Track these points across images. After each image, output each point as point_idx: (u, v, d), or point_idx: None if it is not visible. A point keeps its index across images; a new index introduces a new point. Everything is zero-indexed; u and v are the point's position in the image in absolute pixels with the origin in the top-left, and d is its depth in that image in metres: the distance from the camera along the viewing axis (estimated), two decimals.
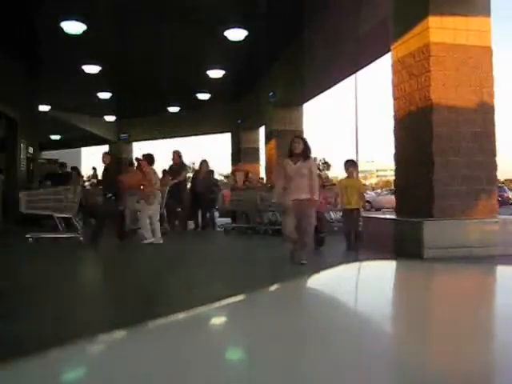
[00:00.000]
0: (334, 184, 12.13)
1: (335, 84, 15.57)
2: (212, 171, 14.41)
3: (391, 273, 1.28)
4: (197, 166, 17.04)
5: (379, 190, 42.01)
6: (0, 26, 11.85)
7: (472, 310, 0.86)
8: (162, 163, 14.20)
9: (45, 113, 19.14)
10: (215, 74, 16.49)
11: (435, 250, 6.35)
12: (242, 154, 22.11)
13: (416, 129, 7.50)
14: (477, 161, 7.22)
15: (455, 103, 7.19)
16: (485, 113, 7.31)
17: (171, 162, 13.08)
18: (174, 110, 22.52)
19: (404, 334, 0.71)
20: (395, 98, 8.05)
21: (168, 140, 28.47)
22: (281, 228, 7.92)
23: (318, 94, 16.78)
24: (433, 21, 7.18)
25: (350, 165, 9.00)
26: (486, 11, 7.41)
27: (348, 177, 8.78)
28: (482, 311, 0.86)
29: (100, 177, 12.52)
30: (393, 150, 8.21)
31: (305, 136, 17.31)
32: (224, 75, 16.58)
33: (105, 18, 11.76)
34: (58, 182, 12.51)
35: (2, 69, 13.52)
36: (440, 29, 7.20)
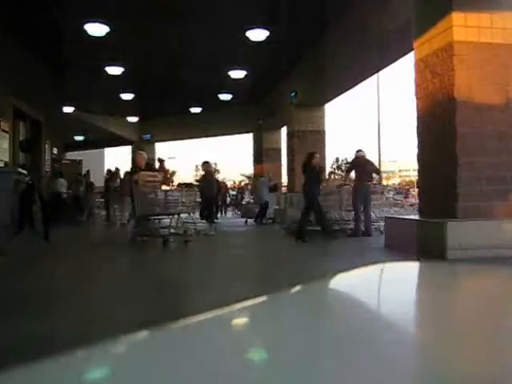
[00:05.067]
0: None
1: (357, 84, 15.49)
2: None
3: (415, 274, 1.26)
4: (219, 167, 18.15)
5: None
6: (25, 29, 12.05)
7: (498, 311, 0.85)
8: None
9: (69, 114, 19.39)
10: (237, 74, 16.55)
11: (459, 251, 6.28)
12: (263, 154, 22.17)
13: (439, 128, 7.42)
14: (502, 161, 7.12)
15: (480, 102, 7.10)
16: (510, 112, 7.21)
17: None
18: (196, 110, 22.65)
19: (429, 336, 0.70)
20: (418, 98, 7.98)
21: (190, 140, 28.69)
22: None
23: (339, 93, 16.71)
24: (456, 19, 7.10)
25: None
26: (511, 7, 7.31)
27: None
28: (508, 313, 0.85)
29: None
30: (416, 150, 8.14)
31: (326, 136, 17.41)
32: (246, 76, 16.62)
33: (127, 19, 11.87)
34: None
35: (27, 70, 13.74)
36: (464, 27, 7.11)
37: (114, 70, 15.89)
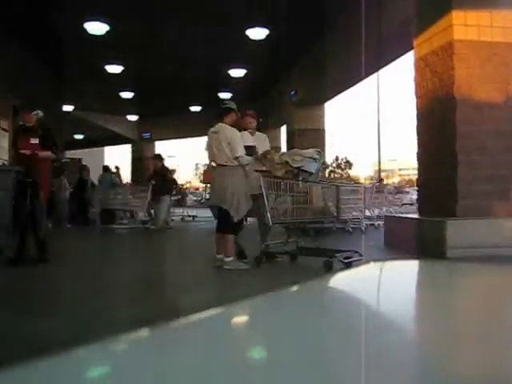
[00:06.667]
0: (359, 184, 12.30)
1: (357, 82, 15.50)
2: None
3: (414, 273, 1.27)
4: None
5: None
6: (25, 29, 12.04)
7: (498, 311, 0.85)
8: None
9: (68, 112, 19.38)
10: (237, 73, 16.53)
11: (459, 250, 6.27)
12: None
13: (439, 127, 7.42)
14: (502, 159, 7.12)
15: (479, 101, 7.09)
16: (510, 110, 7.20)
17: None
18: (195, 109, 22.63)
19: (428, 334, 0.70)
20: (418, 96, 7.97)
21: (190, 139, 28.68)
22: None
23: (339, 92, 16.72)
24: (456, 18, 7.09)
25: None
26: (511, 6, 7.30)
27: None
28: (507, 311, 0.85)
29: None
30: (415, 149, 8.14)
31: (327, 135, 17.40)
32: (245, 74, 16.61)
33: (127, 18, 11.86)
34: None
35: (27, 70, 13.73)
36: (463, 26, 7.11)
37: (114, 69, 15.88)
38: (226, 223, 6.09)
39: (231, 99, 20.02)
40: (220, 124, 6.27)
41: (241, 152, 6.14)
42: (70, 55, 14.22)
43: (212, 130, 6.33)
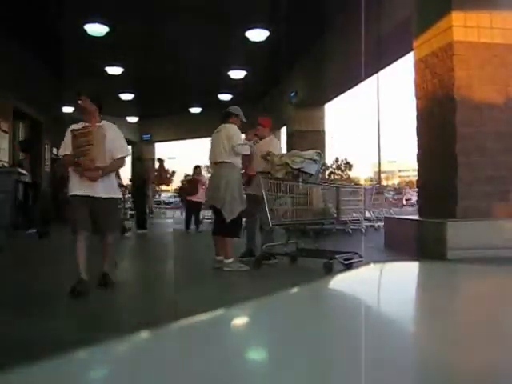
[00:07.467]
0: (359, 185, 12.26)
1: (357, 84, 15.50)
2: None
3: (414, 273, 1.26)
4: None
5: None
6: (25, 29, 12.05)
7: (498, 311, 0.85)
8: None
9: (69, 114, 19.37)
10: (237, 74, 16.54)
11: (459, 251, 6.27)
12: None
13: (439, 128, 7.42)
14: (501, 161, 7.12)
15: (479, 102, 7.10)
16: (509, 112, 7.20)
17: None
18: (195, 110, 22.63)
19: (429, 335, 0.70)
20: (418, 98, 7.98)
21: (190, 141, 28.66)
22: None
23: (339, 93, 16.72)
24: (456, 19, 7.10)
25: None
26: (510, 7, 7.30)
27: None
28: (507, 312, 0.84)
29: None
30: (415, 150, 8.14)
31: (327, 137, 17.38)
32: (245, 76, 16.61)
33: (127, 19, 11.87)
34: None
35: (26, 71, 13.73)
36: (463, 27, 7.11)
37: (114, 70, 15.89)
38: (223, 226, 6.07)
39: (231, 100, 20.09)
40: (223, 125, 6.29)
41: (239, 142, 6.15)
42: (70, 56, 14.24)
43: (215, 131, 6.36)
